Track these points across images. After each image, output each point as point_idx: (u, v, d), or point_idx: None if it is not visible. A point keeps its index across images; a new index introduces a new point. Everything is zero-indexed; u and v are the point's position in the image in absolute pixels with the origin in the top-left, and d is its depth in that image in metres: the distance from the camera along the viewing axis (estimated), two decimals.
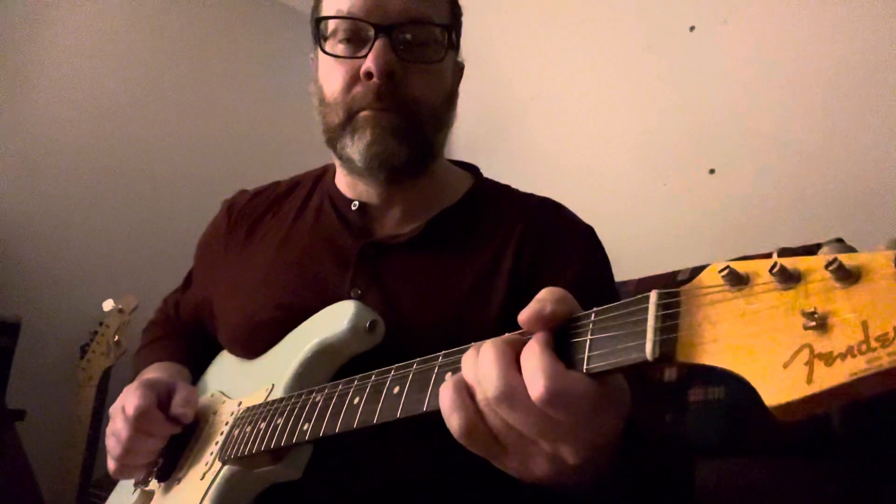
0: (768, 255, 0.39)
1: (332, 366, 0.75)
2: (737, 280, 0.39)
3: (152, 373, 0.93)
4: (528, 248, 0.84)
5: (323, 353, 0.75)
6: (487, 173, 0.99)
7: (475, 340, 0.52)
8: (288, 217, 0.95)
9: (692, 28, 1.79)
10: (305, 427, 0.65)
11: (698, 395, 1.12)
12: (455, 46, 0.90)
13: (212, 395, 0.89)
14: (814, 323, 0.34)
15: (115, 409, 0.83)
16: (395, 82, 0.81)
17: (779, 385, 0.34)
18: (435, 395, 0.52)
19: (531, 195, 0.95)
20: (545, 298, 0.48)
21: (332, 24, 0.84)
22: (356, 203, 0.90)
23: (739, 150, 1.64)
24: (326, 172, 0.99)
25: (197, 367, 0.99)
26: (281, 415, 0.69)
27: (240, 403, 0.80)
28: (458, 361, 0.52)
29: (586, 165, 1.98)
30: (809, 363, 0.34)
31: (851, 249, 0.36)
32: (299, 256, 0.89)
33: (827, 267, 0.35)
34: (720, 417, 1.08)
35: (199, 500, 0.72)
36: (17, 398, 1.68)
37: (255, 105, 2.52)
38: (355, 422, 0.59)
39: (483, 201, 0.92)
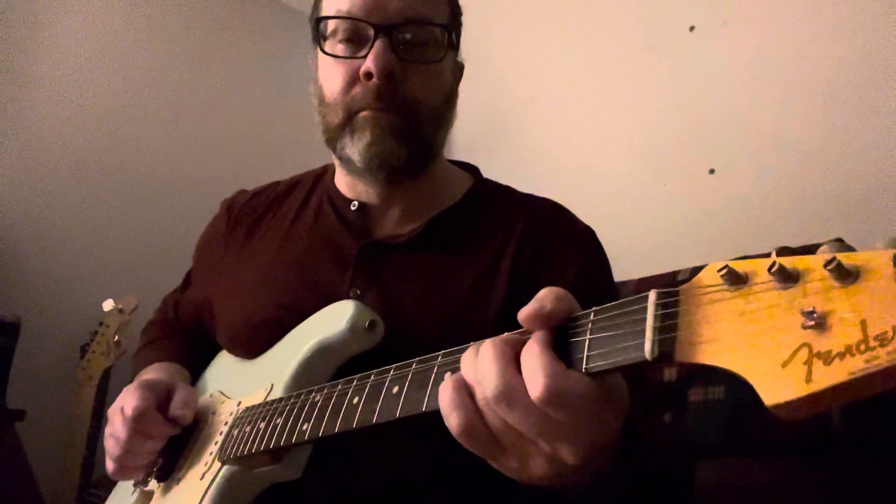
0: (768, 255, 0.39)
1: (331, 366, 0.75)
2: (736, 279, 0.39)
3: (151, 373, 0.93)
4: (527, 249, 0.84)
5: (322, 353, 0.75)
6: (487, 173, 0.99)
7: (474, 340, 0.52)
8: (287, 217, 0.95)
9: (692, 28, 1.79)
10: (305, 427, 0.65)
11: (698, 395, 1.12)
12: (455, 46, 0.90)
13: (211, 396, 0.89)
14: (813, 322, 0.34)
15: (113, 411, 0.83)
16: (394, 82, 0.80)
17: (778, 384, 0.34)
18: (434, 394, 0.52)
19: (531, 195, 0.95)
20: (545, 297, 0.49)
21: (331, 24, 0.84)
22: (356, 203, 0.90)
23: (739, 150, 1.64)
24: (326, 172, 0.99)
25: (196, 367, 0.99)
26: (280, 415, 0.69)
27: (239, 403, 0.80)
28: (458, 361, 0.51)
29: (586, 165, 1.98)
30: (808, 362, 0.34)
31: (851, 249, 0.36)
32: (299, 256, 0.89)
33: (826, 266, 0.35)
34: (720, 417, 1.08)
35: (199, 500, 0.72)
36: (17, 398, 1.68)
37: (254, 105, 2.52)
38: (354, 422, 0.59)
39: (483, 201, 0.92)
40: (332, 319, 0.75)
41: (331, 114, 0.84)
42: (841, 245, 0.36)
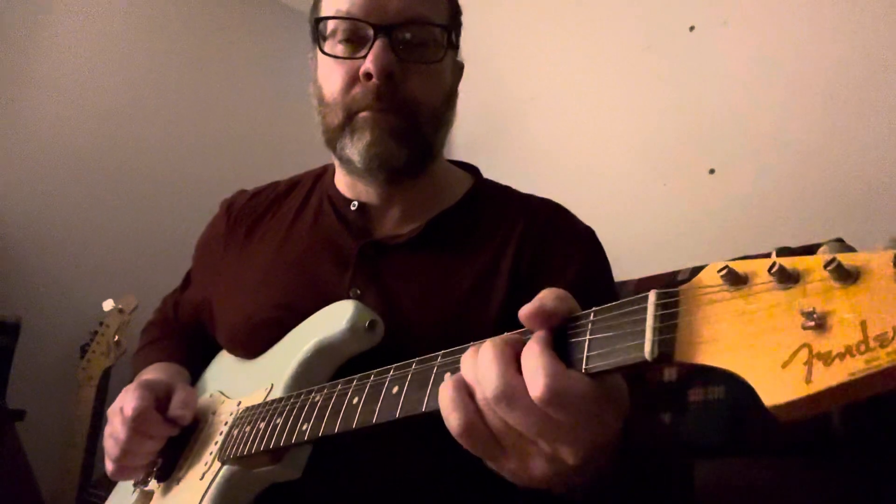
0: (768, 255, 0.39)
1: (331, 366, 0.75)
2: (736, 280, 0.39)
3: (151, 374, 0.93)
4: (527, 249, 0.84)
5: (322, 353, 0.75)
6: (487, 173, 0.99)
7: (474, 340, 0.51)
8: (287, 217, 0.95)
9: (692, 28, 1.79)
10: (305, 427, 0.65)
11: (698, 395, 1.12)
12: (454, 46, 0.90)
13: (211, 396, 0.89)
14: (812, 323, 0.34)
15: (113, 411, 0.83)
16: (394, 83, 0.80)
17: (778, 385, 0.34)
18: (434, 394, 0.52)
19: (531, 196, 0.95)
20: (545, 296, 0.49)
21: (331, 25, 0.83)
22: (355, 203, 0.90)
23: (739, 150, 1.64)
24: (326, 172, 0.99)
25: (196, 367, 0.99)
26: (280, 415, 0.69)
27: (239, 403, 0.80)
28: (458, 361, 0.51)
29: (586, 165, 1.98)
30: (808, 363, 0.34)
31: (851, 249, 0.36)
32: (299, 256, 0.89)
33: (826, 267, 0.35)
34: (720, 417, 1.08)
35: (199, 500, 0.72)
36: (17, 398, 1.68)
37: (254, 105, 2.52)
38: (354, 422, 0.59)
39: (483, 202, 0.92)
40: (332, 319, 0.75)
41: (330, 114, 0.84)
42: (841, 245, 0.36)
